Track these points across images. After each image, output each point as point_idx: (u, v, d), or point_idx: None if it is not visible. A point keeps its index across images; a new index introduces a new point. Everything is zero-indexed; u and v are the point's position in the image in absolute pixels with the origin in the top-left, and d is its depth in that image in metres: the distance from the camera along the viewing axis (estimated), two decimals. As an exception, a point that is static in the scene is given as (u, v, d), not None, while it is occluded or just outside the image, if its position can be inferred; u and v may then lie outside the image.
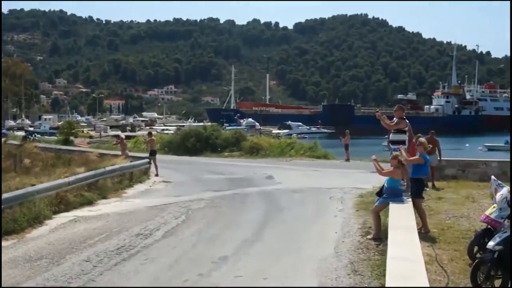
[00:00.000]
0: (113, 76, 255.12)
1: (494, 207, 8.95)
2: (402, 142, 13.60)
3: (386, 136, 15.26)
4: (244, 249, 10.85)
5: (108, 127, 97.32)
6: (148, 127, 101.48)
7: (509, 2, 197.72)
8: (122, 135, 28.45)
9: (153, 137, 27.99)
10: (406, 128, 13.88)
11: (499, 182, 9.50)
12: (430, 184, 17.56)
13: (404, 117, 14.13)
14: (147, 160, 25.23)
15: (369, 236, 11.51)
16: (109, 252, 10.69)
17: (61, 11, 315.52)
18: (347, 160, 32.72)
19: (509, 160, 19.72)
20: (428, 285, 5.97)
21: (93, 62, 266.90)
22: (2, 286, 8.46)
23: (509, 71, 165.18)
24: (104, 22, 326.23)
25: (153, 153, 25.85)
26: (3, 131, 69.53)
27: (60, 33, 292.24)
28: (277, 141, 41.65)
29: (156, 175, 24.65)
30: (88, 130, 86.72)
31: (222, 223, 13.75)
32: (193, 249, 10.98)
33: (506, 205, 8.41)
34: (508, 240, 7.59)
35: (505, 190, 8.89)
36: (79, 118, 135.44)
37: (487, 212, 9.06)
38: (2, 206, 12.54)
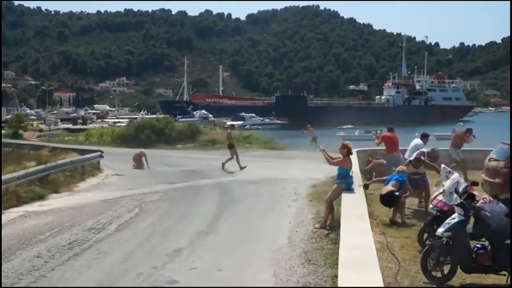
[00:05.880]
0: (63, 68, 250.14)
1: (442, 193, 9.19)
2: None
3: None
4: (199, 241, 10.84)
5: (59, 120, 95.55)
6: (99, 120, 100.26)
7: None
8: (144, 152, 26.77)
9: (229, 130, 26.78)
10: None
11: (449, 169, 9.75)
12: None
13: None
14: (98, 153, 24.85)
15: (316, 225, 11.68)
16: (61, 247, 10.52)
17: (8, 1, 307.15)
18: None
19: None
20: (379, 272, 6.07)
21: (42, 54, 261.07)
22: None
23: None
24: (53, 12, 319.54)
25: (230, 146, 24.52)
26: None
27: (8, 24, 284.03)
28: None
29: (241, 168, 23.26)
30: (38, 123, 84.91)
31: (176, 215, 13.69)
32: (147, 242, 10.91)
33: (454, 190, 8.64)
34: (456, 226, 7.79)
35: (455, 175, 9.15)
36: (28, 111, 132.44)
37: (439, 197, 9.31)
38: None
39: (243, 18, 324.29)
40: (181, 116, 78.28)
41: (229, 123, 78.11)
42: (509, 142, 12.38)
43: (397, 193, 11.71)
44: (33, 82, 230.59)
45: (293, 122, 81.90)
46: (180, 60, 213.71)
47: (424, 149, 14.14)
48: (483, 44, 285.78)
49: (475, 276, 7.94)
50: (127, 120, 73.68)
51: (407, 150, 15.88)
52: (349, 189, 11.63)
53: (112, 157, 25.78)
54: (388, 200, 11.77)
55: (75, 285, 8.42)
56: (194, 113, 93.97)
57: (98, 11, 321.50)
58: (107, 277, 8.68)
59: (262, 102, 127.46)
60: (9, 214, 14.01)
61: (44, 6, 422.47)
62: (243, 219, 13.03)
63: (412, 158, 13.52)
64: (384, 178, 13.16)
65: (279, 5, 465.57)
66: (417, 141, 16.00)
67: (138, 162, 25.60)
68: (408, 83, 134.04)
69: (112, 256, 9.91)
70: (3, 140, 41.73)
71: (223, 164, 23.45)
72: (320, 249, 9.99)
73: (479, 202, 8.09)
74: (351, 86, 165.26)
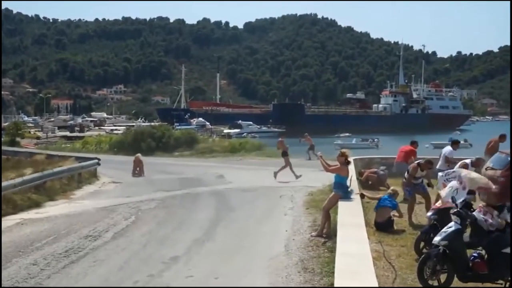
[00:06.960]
0: (60, 75, 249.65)
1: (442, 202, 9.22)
2: None
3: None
4: (195, 249, 10.82)
5: (56, 127, 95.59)
6: (97, 127, 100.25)
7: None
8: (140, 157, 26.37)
9: (281, 139, 26.38)
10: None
11: (447, 177, 9.75)
12: None
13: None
14: (95, 161, 24.83)
15: (313, 233, 11.67)
16: (57, 254, 10.49)
17: (6, 9, 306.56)
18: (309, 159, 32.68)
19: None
20: (376, 281, 6.07)
21: (40, 62, 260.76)
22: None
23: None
24: (51, 20, 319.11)
25: (283, 154, 24.20)
26: None
27: (6, 31, 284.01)
28: (230, 143, 41.52)
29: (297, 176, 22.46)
30: (35, 130, 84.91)
31: (173, 223, 13.67)
32: (143, 250, 10.88)
33: (451, 198, 8.63)
34: (453, 235, 7.79)
35: (453, 183, 9.14)
36: (25, 118, 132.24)
37: (438, 204, 9.32)
38: None
39: (240, 26, 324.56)
40: (178, 124, 78.29)
41: (226, 131, 78.34)
42: (506, 151, 12.39)
43: (392, 219, 12.26)
44: (30, 90, 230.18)
45: (290, 130, 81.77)
46: (178, 68, 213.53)
47: (468, 160, 14.07)
48: (480, 53, 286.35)
49: (472, 285, 7.92)
50: (124, 127, 73.71)
51: (440, 159, 15.63)
52: (346, 197, 11.63)
53: (109, 165, 25.74)
54: (384, 227, 12.04)
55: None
56: (192, 120, 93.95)
57: (96, 19, 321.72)
58: (103, 285, 8.66)
59: (260, 110, 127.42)
60: (6, 222, 13.97)
61: (42, 14, 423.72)
62: (239, 227, 13.00)
63: (421, 161, 13.55)
64: (378, 196, 13.27)
65: (277, 14, 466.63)
66: (448, 148, 15.98)
67: (138, 168, 25.53)
68: (405, 92, 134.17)
69: (108, 263, 9.89)
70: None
71: (275, 173, 22.66)
72: (316, 257, 9.97)
73: (476, 210, 8.11)
74: (348, 95, 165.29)
